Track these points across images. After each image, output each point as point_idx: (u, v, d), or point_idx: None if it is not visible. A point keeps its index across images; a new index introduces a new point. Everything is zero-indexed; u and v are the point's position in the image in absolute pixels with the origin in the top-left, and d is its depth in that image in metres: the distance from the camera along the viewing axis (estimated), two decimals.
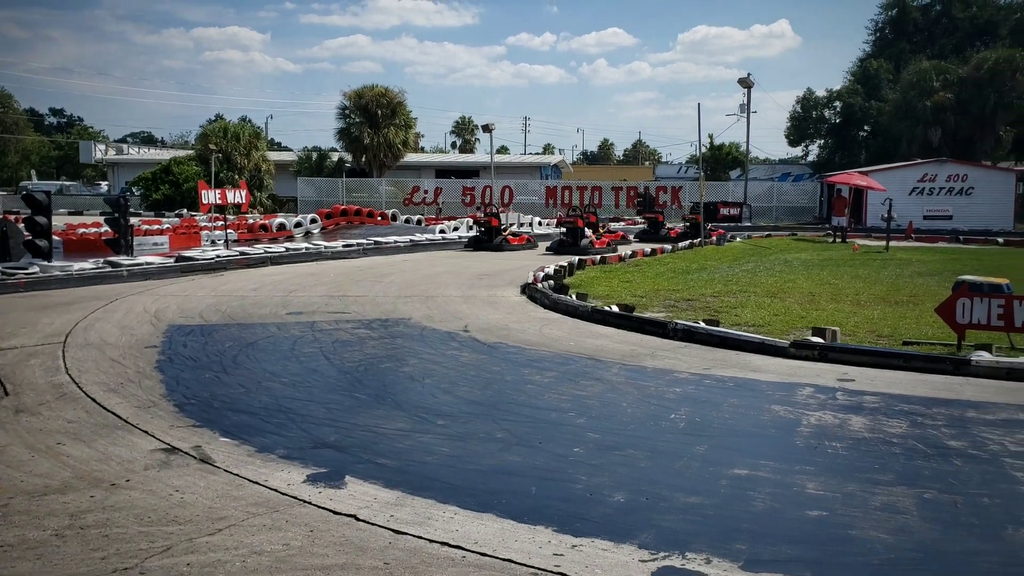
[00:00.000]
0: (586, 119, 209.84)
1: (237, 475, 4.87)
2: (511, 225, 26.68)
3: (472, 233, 23.93)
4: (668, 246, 22.61)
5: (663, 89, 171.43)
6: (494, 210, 24.06)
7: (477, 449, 5.36)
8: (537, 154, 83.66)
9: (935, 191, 37.84)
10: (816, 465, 5.11)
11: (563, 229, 23.34)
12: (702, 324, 9.41)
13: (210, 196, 19.94)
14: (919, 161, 40.51)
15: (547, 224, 31.74)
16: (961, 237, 31.04)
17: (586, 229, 22.88)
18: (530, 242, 23.86)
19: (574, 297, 11.69)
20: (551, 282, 13.41)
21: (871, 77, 52.48)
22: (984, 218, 36.39)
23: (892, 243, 25.74)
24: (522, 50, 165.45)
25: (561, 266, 15.68)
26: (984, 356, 8.00)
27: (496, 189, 39.82)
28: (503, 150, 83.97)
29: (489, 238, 22.41)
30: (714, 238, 26.03)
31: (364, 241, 21.56)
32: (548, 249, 22.17)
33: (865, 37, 74.12)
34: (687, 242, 24.19)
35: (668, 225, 29.62)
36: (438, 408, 6.36)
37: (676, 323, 9.49)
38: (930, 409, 6.49)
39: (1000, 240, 29.79)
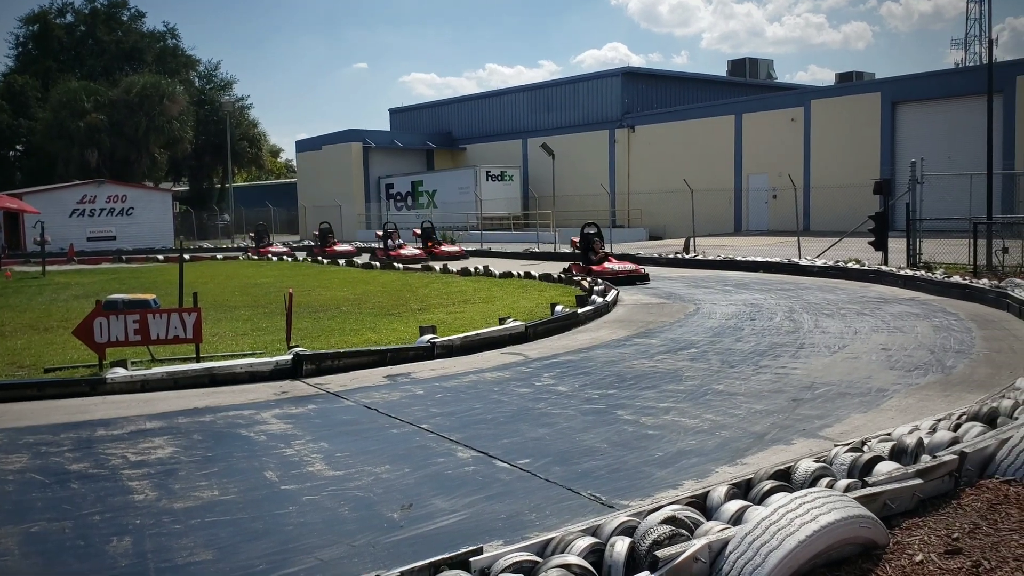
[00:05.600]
0: None
1: None
2: None
3: None
4: None
5: None
6: None
7: None
8: None
9: (97, 212, 38.08)
10: None
11: None
12: None
13: None
14: (78, 182, 40.28)
15: None
16: (124, 257, 31.85)
17: None
18: None
19: None
20: None
21: (18, 94, 50.01)
22: (146, 237, 38.09)
23: (53, 267, 25.03)
24: None
25: None
26: (120, 372, 8.18)
27: None
28: None
29: None
30: None
31: None
32: None
33: (7, 51, 70.08)
34: None
35: None
36: None
37: None
38: (58, 436, 6.33)
39: (161, 257, 31.46)
